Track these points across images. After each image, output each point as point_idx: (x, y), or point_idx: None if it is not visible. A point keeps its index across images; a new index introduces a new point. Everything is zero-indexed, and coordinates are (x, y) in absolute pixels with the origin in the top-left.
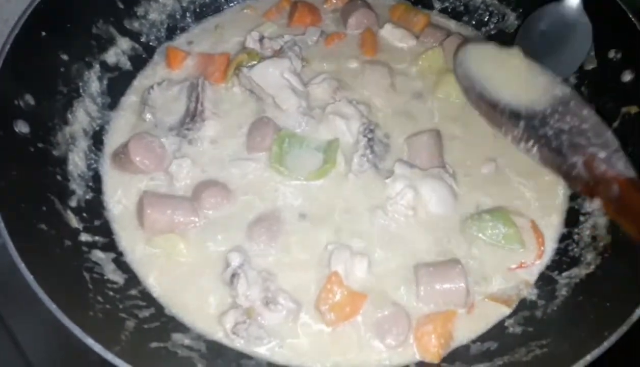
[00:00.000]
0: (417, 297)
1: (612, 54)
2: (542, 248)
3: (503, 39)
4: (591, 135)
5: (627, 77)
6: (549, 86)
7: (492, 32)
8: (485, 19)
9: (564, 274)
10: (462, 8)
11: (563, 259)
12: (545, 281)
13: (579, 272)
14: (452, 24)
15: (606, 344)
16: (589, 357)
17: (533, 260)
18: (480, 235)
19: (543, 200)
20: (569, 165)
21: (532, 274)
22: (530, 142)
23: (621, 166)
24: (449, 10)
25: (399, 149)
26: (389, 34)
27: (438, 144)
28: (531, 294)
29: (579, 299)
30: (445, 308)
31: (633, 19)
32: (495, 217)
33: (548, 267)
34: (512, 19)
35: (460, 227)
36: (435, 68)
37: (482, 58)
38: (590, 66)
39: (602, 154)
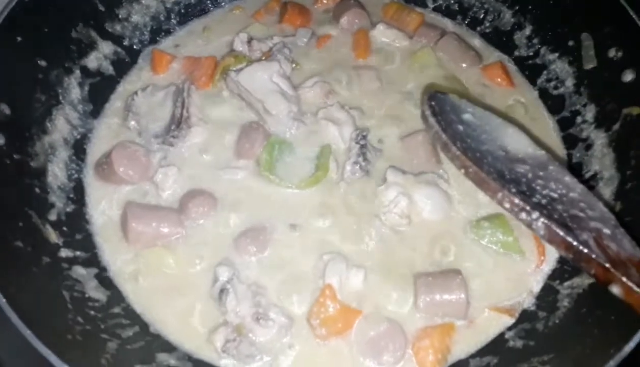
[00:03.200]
0: (415, 309)
1: (612, 52)
2: (542, 257)
3: (499, 37)
4: (585, 206)
5: (628, 76)
6: (522, 143)
7: (487, 30)
8: (480, 17)
9: (566, 283)
10: (456, 6)
11: (564, 267)
12: (546, 291)
13: (581, 282)
14: (447, 23)
15: (612, 364)
16: None
17: (533, 268)
18: (479, 243)
19: None
20: (580, 242)
21: (536, 282)
22: (534, 214)
23: (629, 245)
24: (443, 8)
25: (392, 154)
26: (382, 34)
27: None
28: (532, 304)
29: (582, 311)
30: (443, 320)
31: (634, 16)
32: (494, 225)
33: (549, 277)
34: (507, 16)
35: (458, 235)
36: (428, 68)
37: (455, 110)
38: (589, 66)
39: (606, 230)
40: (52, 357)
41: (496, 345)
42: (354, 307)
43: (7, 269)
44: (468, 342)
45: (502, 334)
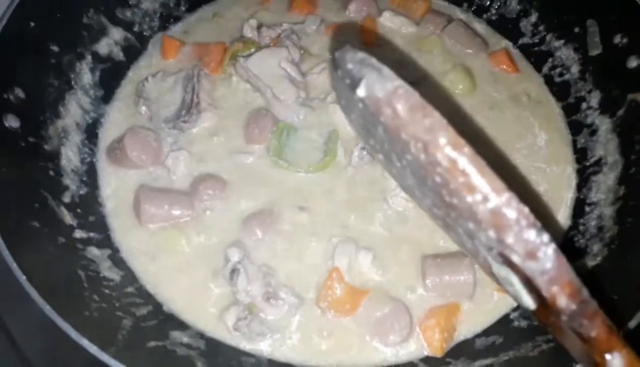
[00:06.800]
0: (423, 289)
1: (617, 39)
2: None
3: (505, 24)
4: None
5: (633, 63)
6: None
7: (494, 17)
8: (487, 4)
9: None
10: None
11: (568, 250)
12: None
13: (584, 264)
14: (454, 10)
15: None
16: None
17: None
18: None
19: (551, 191)
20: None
21: None
22: (544, 236)
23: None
24: None
25: None
26: (389, 21)
27: None
28: None
29: None
30: (450, 300)
31: None
32: None
33: None
34: (514, 4)
35: None
36: (435, 55)
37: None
38: (595, 52)
39: None
40: (72, 332)
41: (501, 325)
42: (362, 289)
43: (25, 248)
44: (474, 321)
45: (507, 315)
